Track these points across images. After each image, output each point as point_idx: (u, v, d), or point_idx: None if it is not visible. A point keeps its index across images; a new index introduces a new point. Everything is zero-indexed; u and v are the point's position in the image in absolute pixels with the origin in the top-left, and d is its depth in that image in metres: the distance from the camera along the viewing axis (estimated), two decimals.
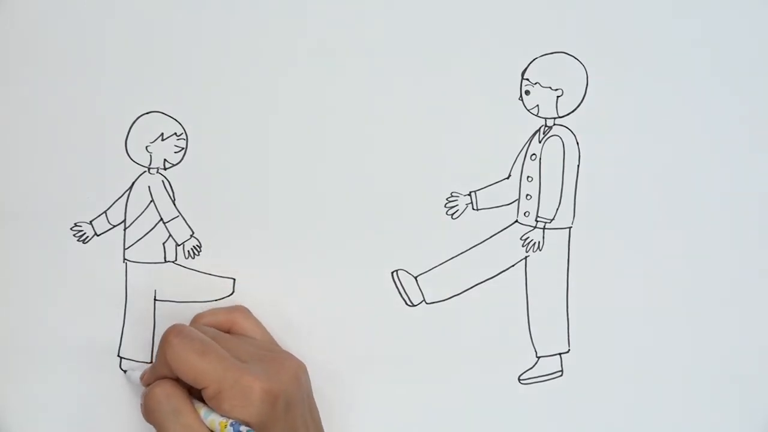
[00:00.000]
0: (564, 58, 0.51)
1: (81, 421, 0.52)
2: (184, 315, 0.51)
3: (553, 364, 0.52)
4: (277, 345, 0.50)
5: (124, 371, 0.51)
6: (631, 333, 0.51)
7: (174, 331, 0.45)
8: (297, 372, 0.46)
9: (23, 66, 0.51)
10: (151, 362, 0.51)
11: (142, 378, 0.48)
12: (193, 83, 0.51)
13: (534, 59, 0.51)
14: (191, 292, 0.52)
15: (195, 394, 0.45)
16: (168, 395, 0.44)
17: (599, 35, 0.51)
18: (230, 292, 0.52)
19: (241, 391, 0.43)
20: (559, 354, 0.52)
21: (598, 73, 0.51)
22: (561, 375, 0.52)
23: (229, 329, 0.49)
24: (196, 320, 0.50)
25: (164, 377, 0.45)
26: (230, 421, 0.42)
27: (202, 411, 0.44)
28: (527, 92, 0.51)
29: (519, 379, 0.52)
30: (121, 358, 0.52)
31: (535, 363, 0.52)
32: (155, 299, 0.52)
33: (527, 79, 0.51)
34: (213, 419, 0.43)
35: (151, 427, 0.45)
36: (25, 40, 0.51)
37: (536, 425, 0.52)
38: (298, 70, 0.51)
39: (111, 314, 0.52)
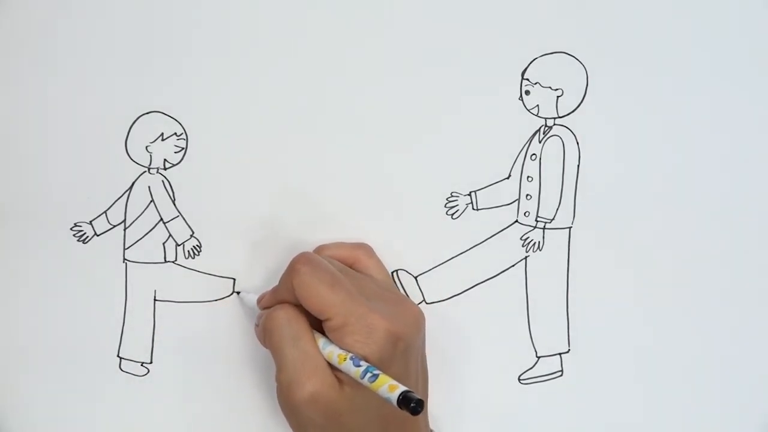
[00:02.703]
0: (564, 58, 0.51)
1: (81, 421, 0.52)
2: (184, 315, 0.51)
3: (553, 364, 0.52)
4: (397, 288, 0.51)
5: (238, 293, 0.51)
6: (631, 333, 0.51)
7: (303, 259, 0.44)
8: (418, 318, 0.46)
9: (23, 66, 0.51)
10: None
11: (259, 301, 0.48)
12: (193, 83, 0.51)
13: (534, 59, 0.51)
14: (191, 292, 0.52)
15: (313, 324, 0.45)
16: (289, 319, 0.44)
17: (599, 35, 0.51)
18: (230, 292, 0.52)
19: (366, 327, 0.43)
20: (559, 354, 0.52)
21: (598, 73, 0.51)
22: (561, 375, 0.52)
23: (351, 265, 0.49)
24: (320, 250, 0.49)
25: (285, 302, 0.45)
26: (350, 354, 0.42)
27: (321, 341, 0.44)
28: (527, 92, 0.51)
29: (519, 379, 0.52)
30: (121, 358, 0.52)
31: (535, 363, 0.52)
32: (155, 299, 0.52)
33: (527, 79, 0.51)
34: (331, 351, 0.43)
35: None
36: (25, 40, 0.51)
37: (536, 425, 0.52)
38: (298, 70, 0.51)
39: (111, 314, 0.52)
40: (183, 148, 0.51)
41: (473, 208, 0.51)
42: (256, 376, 0.52)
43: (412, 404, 0.38)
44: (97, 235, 0.51)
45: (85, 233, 0.51)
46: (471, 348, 0.52)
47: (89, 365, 0.52)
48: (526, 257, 0.52)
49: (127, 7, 0.51)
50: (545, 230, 0.51)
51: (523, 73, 0.51)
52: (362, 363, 0.42)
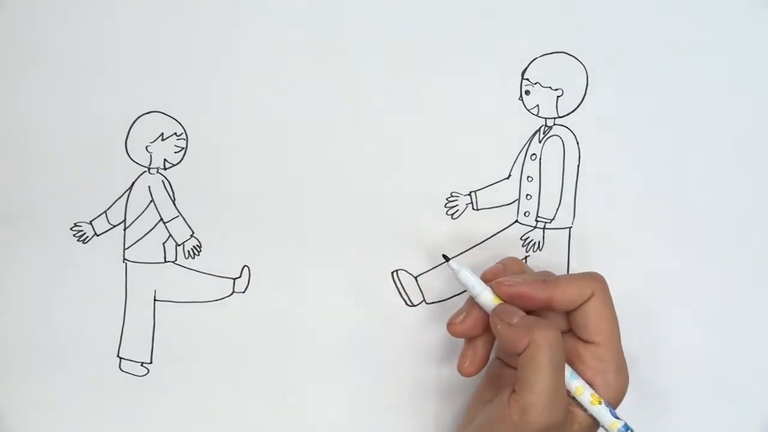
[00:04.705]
0: (564, 58, 0.51)
1: (81, 421, 0.52)
2: (184, 315, 0.51)
3: None
4: None
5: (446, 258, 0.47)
6: (630, 333, 0.51)
7: (602, 278, 0.45)
8: None
9: (23, 66, 0.51)
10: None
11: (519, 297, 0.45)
12: (193, 83, 0.51)
13: (534, 59, 0.51)
14: (191, 292, 0.52)
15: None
16: (559, 346, 0.43)
17: (599, 35, 0.51)
18: (230, 292, 0.52)
19: (624, 381, 0.45)
20: None
21: (598, 73, 0.51)
22: None
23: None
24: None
25: (551, 302, 0.44)
26: (604, 401, 0.44)
27: (567, 371, 0.44)
28: (527, 92, 0.51)
29: None
30: (121, 358, 0.52)
31: None
32: (155, 299, 0.52)
33: (527, 79, 0.51)
34: (582, 387, 0.44)
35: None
36: (25, 40, 0.51)
37: None
38: (298, 71, 0.51)
39: (111, 314, 0.52)
40: (183, 148, 0.51)
41: (473, 208, 0.51)
42: (256, 376, 0.52)
43: None
44: (97, 235, 0.51)
45: (85, 233, 0.51)
46: None
47: (89, 365, 0.52)
48: (526, 257, 0.52)
49: (127, 8, 0.51)
50: (545, 230, 0.51)
51: (523, 73, 0.51)
52: (621, 417, 0.44)
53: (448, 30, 0.51)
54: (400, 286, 0.52)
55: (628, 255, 0.51)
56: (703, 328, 0.51)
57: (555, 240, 0.51)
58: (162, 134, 0.51)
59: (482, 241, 0.51)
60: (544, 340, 0.42)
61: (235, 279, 0.51)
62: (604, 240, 0.51)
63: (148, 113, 0.51)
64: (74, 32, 0.51)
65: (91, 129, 0.51)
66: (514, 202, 0.51)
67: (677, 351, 0.51)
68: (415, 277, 0.52)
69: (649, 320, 0.51)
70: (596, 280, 0.45)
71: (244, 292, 0.51)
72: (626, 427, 0.44)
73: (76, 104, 0.51)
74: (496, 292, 0.45)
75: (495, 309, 0.45)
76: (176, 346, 0.52)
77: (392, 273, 0.51)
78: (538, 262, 0.51)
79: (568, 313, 0.46)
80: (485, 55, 0.51)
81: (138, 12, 0.51)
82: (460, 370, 0.47)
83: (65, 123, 0.51)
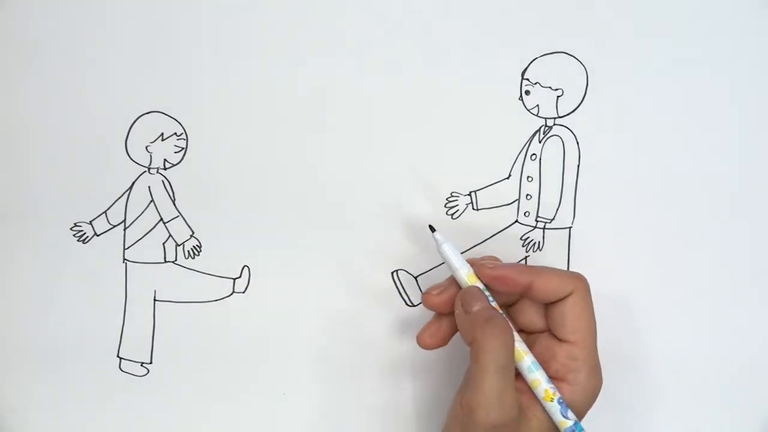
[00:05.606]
0: (564, 58, 0.51)
1: (81, 421, 0.52)
2: (184, 315, 0.51)
3: None
4: None
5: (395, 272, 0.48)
6: (630, 332, 0.51)
7: (583, 277, 0.45)
8: None
9: (23, 66, 0.51)
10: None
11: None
12: (193, 83, 0.51)
13: (534, 59, 0.51)
14: (191, 292, 0.52)
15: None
16: (507, 347, 0.42)
17: (599, 35, 0.51)
18: (230, 292, 0.52)
19: (598, 384, 0.45)
20: None
21: (598, 73, 0.51)
22: None
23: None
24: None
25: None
26: (559, 397, 0.43)
27: (528, 360, 0.44)
28: (527, 92, 0.51)
29: None
30: (121, 358, 0.52)
31: None
32: (155, 299, 0.52)
33: (527, 79, 0.51)
34: (539, 381, 0.43)
35: None
36: (25, 40, 0.51)
37: None
38: (298, 70, 0.51)
39: (111, 314, 0.52)
40: (183, 148, 0.51)
41: (473, 208, 0.51)
42: (256, 376, 0.52)
43: None
44: (97, 235, 0.51)
45: (85, 233, 0.51)
46: None
47: (89, 365, 0.52)
48: (526, 257, 0.52)
49: (128, 8, 0.51)
50: (545, 230, 0.51)
51: (523, 73, 0.51)
52: (571, 416, 0.43)
53: (448, 30, 0.51)
54: (400, 286, 0.52)
55: (627, 255, 0.51)
56: (703, 328, 0.51)
57: (555, 240, 0.51)
58: (162, 134, 0.51)
59: (482, 241, 0.51)
60: (490, 338, 0.42)
61: (235, 279, 0.51)
62: (604, 240, 0.51)
63: (148, 113, 0.51)
64: (74, 32, 0.51)
65: (91, 129, 0.51)
66: (514, 202, 0.51)
67: (677, 351, 0.51)
68: (415, 277, 0.52)
69: (649, 320, 0.51)
70: (579, 279, 0.45)
71: (244, 292, 0.51)
72: (578, 427, 0.43)
73: (76, 104, 0.51)
74: (478, 274, 0.45)
75: (462, 290, 0.45)
76: (176, 346, 0.52)
77: (392, 273, 0.51)
78: (538, 261, 0.51)
79: (547, 310, 0.45)
80: (485, 55, 0.51)
81: (138, 12, 0.51)
82: (418, 340, 0.47)
83: (65, 123, 0.51)
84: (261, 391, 0.52)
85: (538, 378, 0.43)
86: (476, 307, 0.44)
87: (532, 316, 0.46)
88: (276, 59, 0.51)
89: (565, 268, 0.51)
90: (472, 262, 0.46)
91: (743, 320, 0.51)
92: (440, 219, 0.51)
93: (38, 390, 0.52)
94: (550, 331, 0.46)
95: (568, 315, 0.44)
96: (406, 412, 0.52)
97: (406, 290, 0.52)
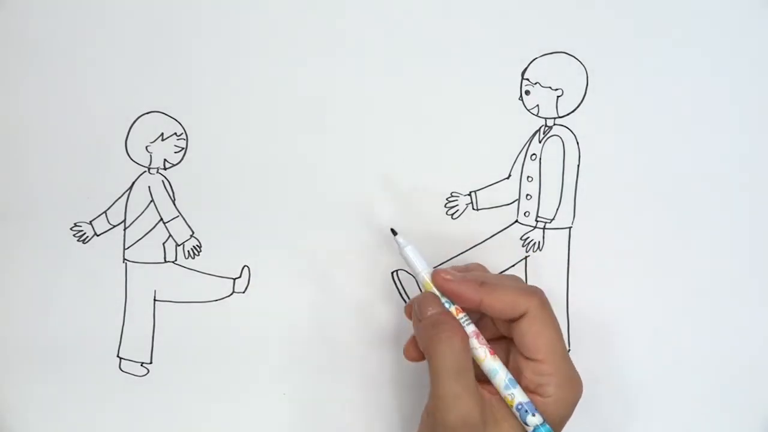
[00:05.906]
0: (564, 58, 0.51)
1: (81, 421, 0.52)
2: (184, 315, 0.51)
3: None
4: None
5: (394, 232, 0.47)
6: (630, 332, 0.51)
7: (541, 291, 0.44)
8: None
9: (23, 66, 0.51)
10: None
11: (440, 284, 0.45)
12: (193, 83, 0.51)
13: (534, 59, 0.51)
14: (191, 292, 0.52)
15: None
16: (462, 351, 0.42)
17: (599, 35, 0.51)
18: (230, 292, 0.52)
19: (574, 393, 0.44)
20: None
21: (598, 73, 0.51)
22: None
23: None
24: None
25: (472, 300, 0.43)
26: (528, 403, 0.43)
27: (499, 369, 0.43)
28: (527, 92, 0.51)
29: None
30: (121, 358, 0.52)
31: None
32: (155, 299, 0.52)
33: (527, 79, 0.51)
34: (506, 386, 0.43)
35: None
36: (25, 40, 0.51)
37: None
38: (298, 70, 0.51)
39: (111, 314, 0.52)
40: (183, 148, 0.51)
41: (473, 208, 0.51)
42: (256, 376, 0.52)
43: None
44: (97, 235, 0.51)
45: (85, 233, 0.51)
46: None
47: (89, 365, 0.52)
48: (526, 257, 0.52)
49: (128, 8, 0.51)
50: (545, 230, 0.51)
51: (523, 73, 0.51)
52: (532, 422, 0.42)
53: (448, 30, 0.51)
54: (400, 286, 0.52)
55: (627, 255, 0.51)
56: (703, 328, 0.51)
57: (555, 240, 0.51)
58: (162, 134, 0.51)
59: (482, 241, 0.51)
60: (437, 344, 0.42)
61: (235, 279, 0.51)
62: (604, 240, 0.51)
63: (148, 113, 0.51)
64: (74, 32, 0.51)
65: (91, 129, 0.51)
66: (514, 202, 0.51)
67: (678, 350, 0.51)
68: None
69: (648, 320, 0.51)
70: (533, 296, 0.43)
71: (244, 292, 0.51)
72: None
73: (76, 104, 0.51)
74: (433, 283, 0.45)
75: (417, 297, 0.45)
76: (176, 346, 0.52)
77: (392, 273, 0.51)
78: (538, 261, 0.51)
79: (510, 326, 0.44)
80: (485, 55, 0.51)
81: (138, 12, 0.51)
82: (404, 353, 0.47)
83: (65, 123, 0.51)
84: (261, 391, 0.52)
85: (497, 384, 0.43)
86: (429, 313, 0.44)
87: (500, 326, 0.46)
88: (276, 59, 0.51)
89: (565, 269, 0.51)
90: (435, 271, 0.45)
91: (743, 320, 0.51)
92: (440, 219, 0.51)
93: (38, 390, 0.52)
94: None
95: (527, 335, 0.43)
96: (407, 412, 0.52)
97: (406, 290, 0.52)
